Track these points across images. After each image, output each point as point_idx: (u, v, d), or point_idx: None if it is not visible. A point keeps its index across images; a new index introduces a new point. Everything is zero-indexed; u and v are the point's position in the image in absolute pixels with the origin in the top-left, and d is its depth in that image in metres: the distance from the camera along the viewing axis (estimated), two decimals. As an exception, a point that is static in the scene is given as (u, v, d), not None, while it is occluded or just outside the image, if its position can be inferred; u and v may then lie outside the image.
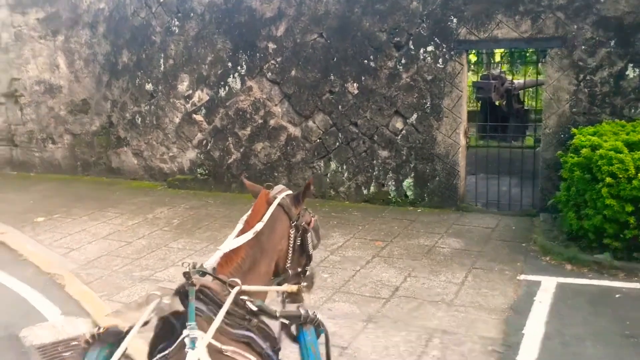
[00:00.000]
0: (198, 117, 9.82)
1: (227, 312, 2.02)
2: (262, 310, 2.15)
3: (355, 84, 8.47)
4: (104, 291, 5.84)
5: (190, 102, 9.84)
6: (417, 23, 8.00)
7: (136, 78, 10.27)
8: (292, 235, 2.55)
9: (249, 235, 2.35)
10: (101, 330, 2.06)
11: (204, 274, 2.14)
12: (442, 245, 6.81)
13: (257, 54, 9.11)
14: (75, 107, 11.04)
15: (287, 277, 2.56)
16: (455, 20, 7.77)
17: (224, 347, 1.95)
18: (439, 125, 8.08)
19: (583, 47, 7.19)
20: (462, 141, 8.07)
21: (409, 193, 8.43)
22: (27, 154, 11.81)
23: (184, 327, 1.90)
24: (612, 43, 7.06)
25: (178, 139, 10.09)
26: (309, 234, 2.62)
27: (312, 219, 2.69)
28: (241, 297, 2.09)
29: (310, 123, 8.91)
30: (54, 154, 11.49)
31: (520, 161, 8.33)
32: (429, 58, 7.99)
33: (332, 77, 8.61)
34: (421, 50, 8.02)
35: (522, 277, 5.83)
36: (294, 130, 9.04)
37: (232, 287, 2.12)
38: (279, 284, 2.53)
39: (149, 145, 10.40)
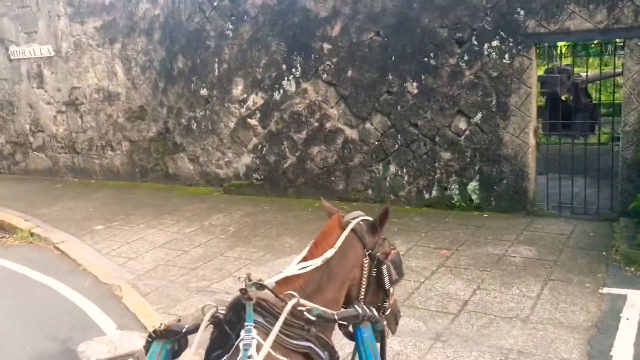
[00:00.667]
0: (253, 122, 9.66)
1: (285, 323, 1.98)
2: (320, 317, 2.05)
3: (414, 83, 8.09)
4: (161, 303, 5.72)
5: (245, 106, 9.70)
6: (481, 17, 7.54)
7: (191, 83, 10.22)
8: (366, 265, 2.33)
9: (318, 262, 2.20)
10: (162, 327, 2.11)
11: (260, 287, 2.05)
12: (513, 254, 6.35)
13: (312, 55, 8.86)
14: (133, 114, 11.12)
15: None
16: (522, 12, 7.28)
17: (282, 358, 1.89)
18: (506, 125, 7.59)
19: (667, 36, 6.58)
20: (532, 141, 7.55)
21: (474, 197, 7.98)
22: (87, 161, 12.01)
23: (239, 336, 1.86)
24: (702, 30, 6.43)
25: (233, 143, 9.97)
26: (385, 266, 2.36)
27: (392, 250, 2.45)
28: (298, 307, 2.01)
29: (367, 125, 8.58)
30: (112, 161, 11.63)
31: (592, 160, 7.72)
32: (494, 54, 7.52)
33: (390, 77, 8.26)
34: (485, 46, 7.56)
35: (605, 290, 5.32)
36: (351, 133, 8.74)
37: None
38: None
39: (205, 150, 10.34)
